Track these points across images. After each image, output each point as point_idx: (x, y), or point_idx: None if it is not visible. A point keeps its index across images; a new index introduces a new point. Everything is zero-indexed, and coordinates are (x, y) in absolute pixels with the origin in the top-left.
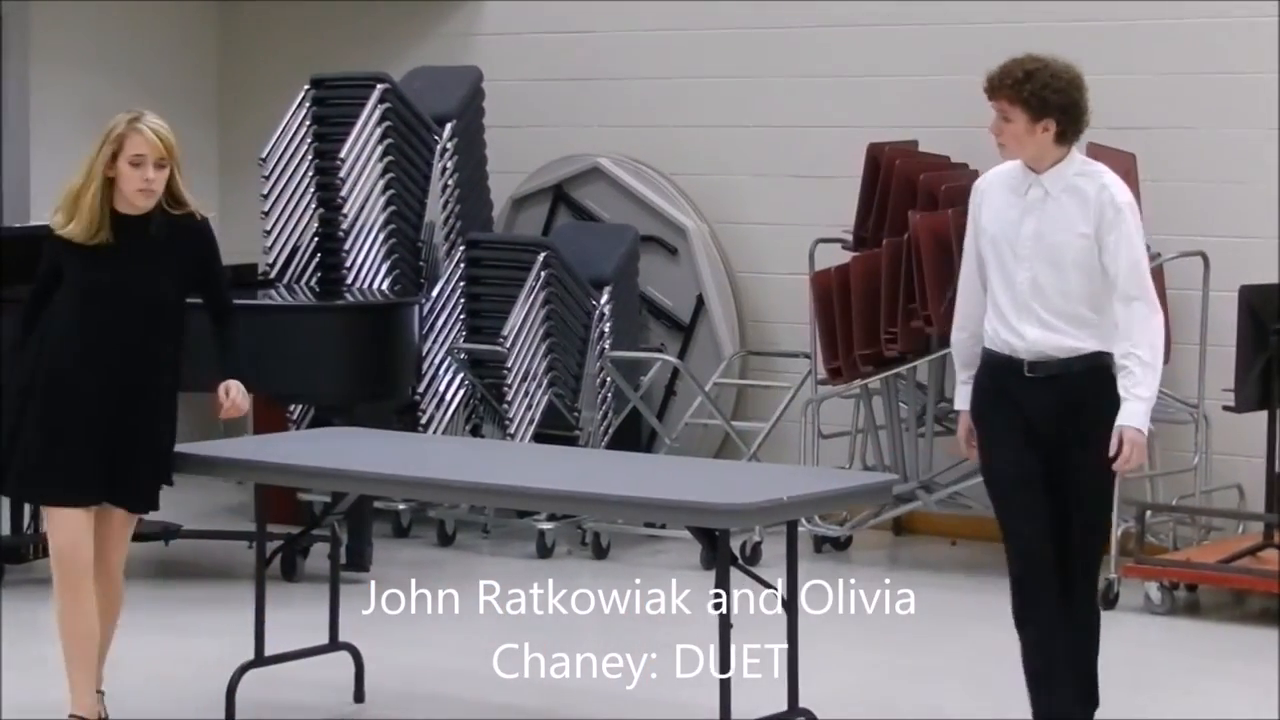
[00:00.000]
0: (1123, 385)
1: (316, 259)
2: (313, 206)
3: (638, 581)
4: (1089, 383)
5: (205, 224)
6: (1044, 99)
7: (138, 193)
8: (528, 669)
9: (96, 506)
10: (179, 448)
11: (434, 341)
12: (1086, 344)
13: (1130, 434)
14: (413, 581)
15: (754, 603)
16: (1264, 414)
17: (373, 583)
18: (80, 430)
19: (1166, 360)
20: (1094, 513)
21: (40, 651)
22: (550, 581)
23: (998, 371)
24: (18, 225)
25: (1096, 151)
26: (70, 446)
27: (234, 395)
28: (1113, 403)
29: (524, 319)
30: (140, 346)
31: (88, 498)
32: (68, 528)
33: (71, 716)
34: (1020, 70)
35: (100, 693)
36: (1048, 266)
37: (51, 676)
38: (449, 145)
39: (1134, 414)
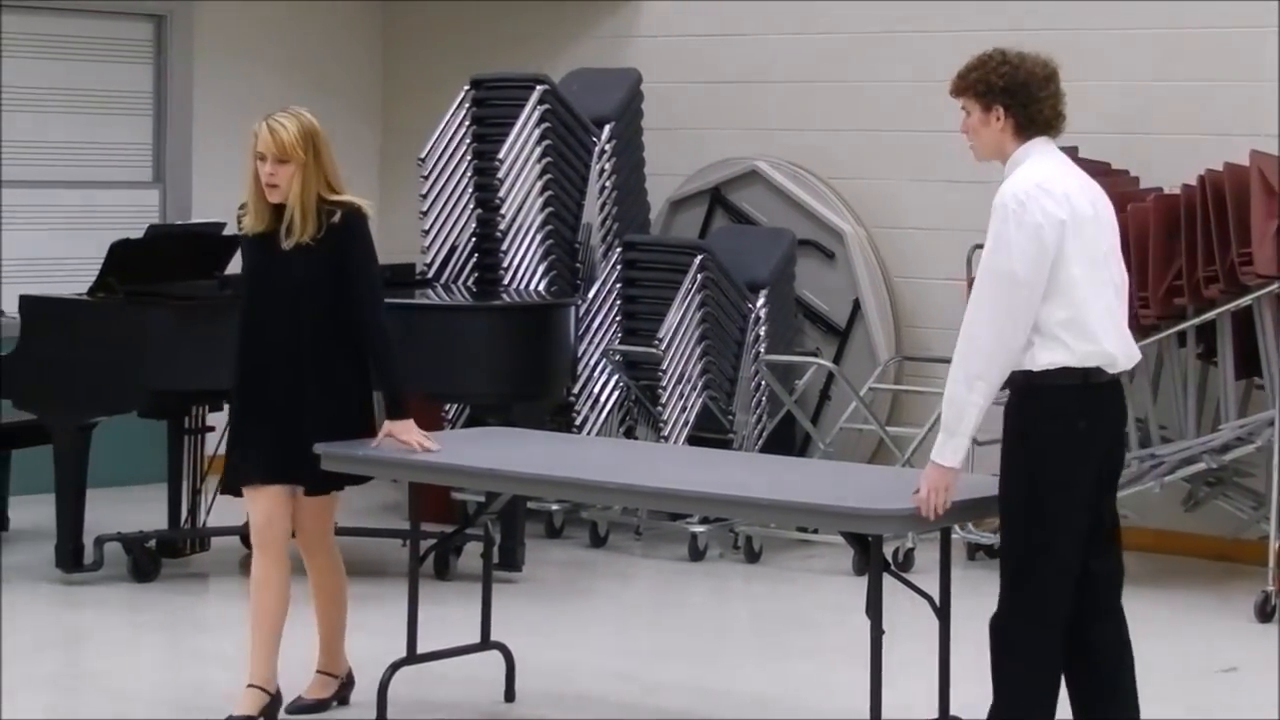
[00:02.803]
0: None
1: (474, 259)
2: (471, 206)
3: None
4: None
5: (346, 220)
6: (989, 82)
7: (265, 187)
8: (678, 671)
9: (283, 486)
10: (333, 447)
11: (590, 343)
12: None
13: (927, 470)
14: (565, 582)
15: (906, 609)
16: None
17: (525, 582)
18: (250, 414)
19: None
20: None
21: (198, 644)
22: (702, 584)
23: None
24: (180, 222)
25: (1259, 159)
26: (243, 430)
27: (398, 437)
28: (1014, 428)
29: (680, 321)
30: (290, 333)
31: (256, 478)
32: (254, 507)
33: (249, 686)
34: (971, 61)
35: (326, 674)
36: None
37: (209, 668)
38: (607, 147)
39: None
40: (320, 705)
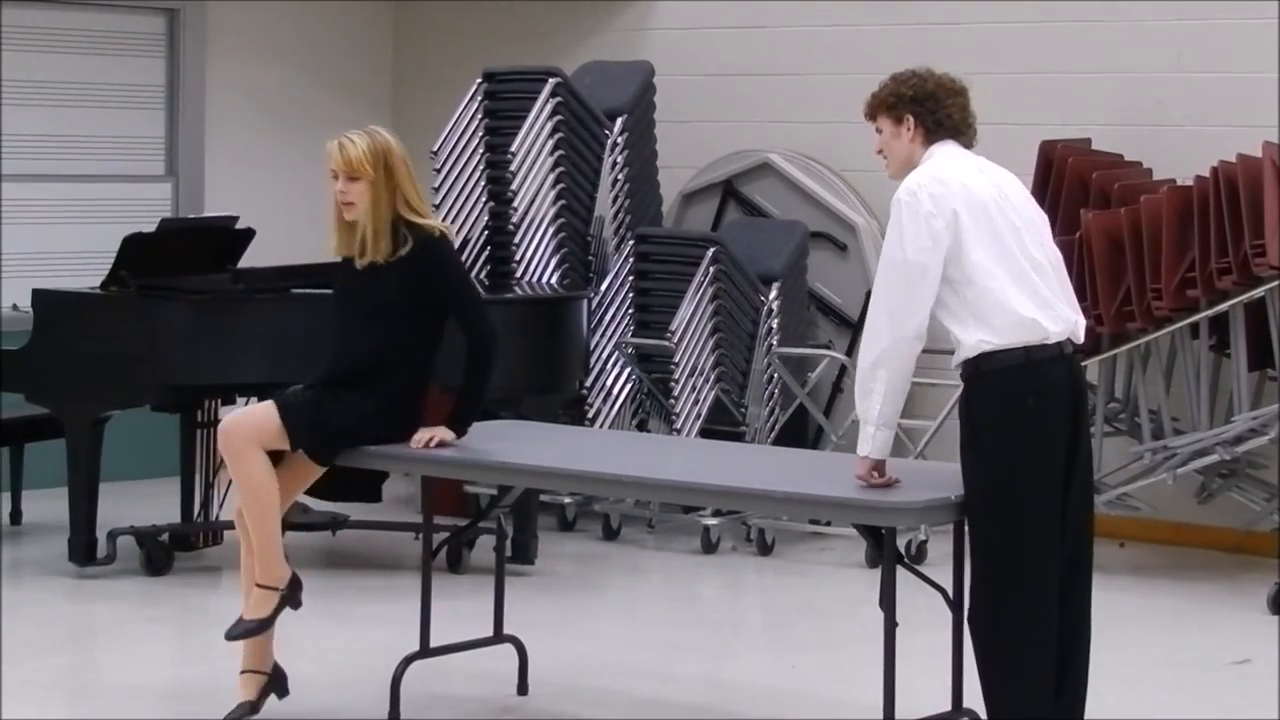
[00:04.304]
0: None
1: (486, 252)
2: (483, 200)
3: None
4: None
5: (425, 246)
6: (899, 94)
7: (340, 206)
8: (691, 664)
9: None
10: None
11: (602, 336)
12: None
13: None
14: (577, 575)
15: (920, 602)
16: None
17: (537, 576)
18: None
19: None
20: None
21: (211, 637)
22: (714, 577)
23: None
24: (192, 216)
25: (1271, 151)
26: None
27: (423, 439)
28: (967, 419)
29: (692, 314)
30: (351, 345)
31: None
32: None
33: (242, 672)
34: (885, 80)
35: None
36: None
37: (222, 662)
38: (619, 140)
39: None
40: (263, 624)
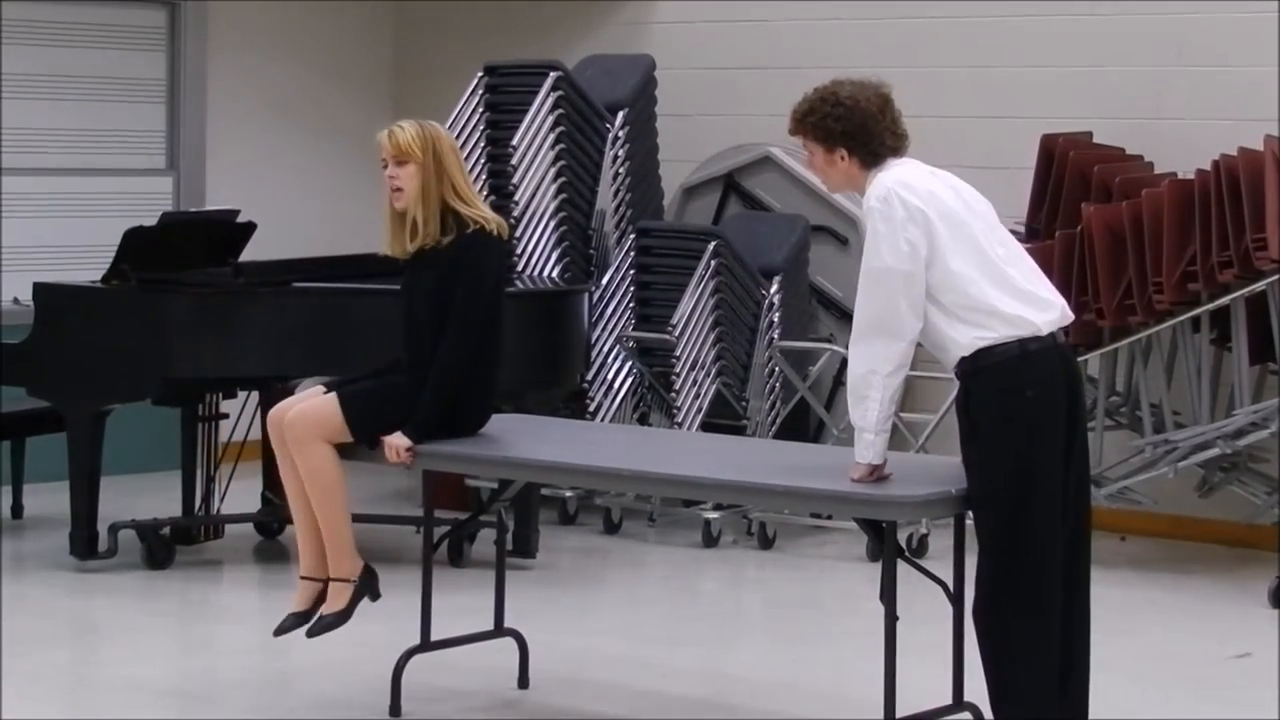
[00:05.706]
0: None
1: None
2: (484, 193)
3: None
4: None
5: (465, 241)
6: (827, 128)
7: (391, 194)
8: (691, 658)
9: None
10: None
11: (603, 329)
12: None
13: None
14: (578, 569)
15: (920, 595)
16: None
17: (538, 569)
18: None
19: None
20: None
21: (212, 631)
22: (715, 571)
23: None
24: (193, 209)
25: (1273, 144)
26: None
27: (391, 459)
28: (968, 416)
29: (693, 308)
30: (405, 333)
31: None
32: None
33: (331, 580)
34: (806, 104)
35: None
36: None
37: (223, 656)
38: (621, 133)
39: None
40: (340, 618)
